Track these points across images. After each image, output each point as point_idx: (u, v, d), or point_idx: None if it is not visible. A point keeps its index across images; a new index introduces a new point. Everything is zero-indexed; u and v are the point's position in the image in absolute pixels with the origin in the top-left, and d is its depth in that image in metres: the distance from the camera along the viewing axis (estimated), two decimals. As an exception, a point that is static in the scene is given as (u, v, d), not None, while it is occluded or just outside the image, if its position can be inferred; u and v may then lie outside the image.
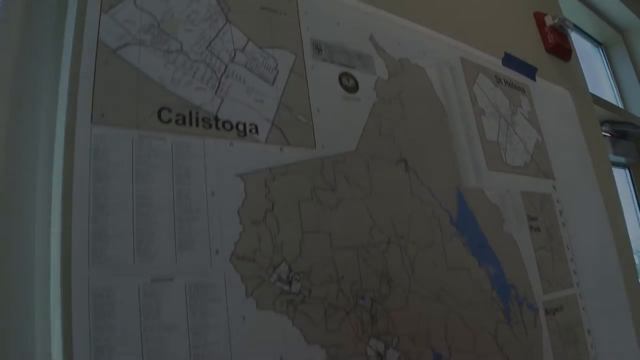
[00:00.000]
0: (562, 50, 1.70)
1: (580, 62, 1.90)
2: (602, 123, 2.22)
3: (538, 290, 1.06)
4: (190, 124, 0.64)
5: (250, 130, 0.69)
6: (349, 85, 0.85)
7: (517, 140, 1.19)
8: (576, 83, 1.75)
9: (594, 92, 2.00)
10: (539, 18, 1.69)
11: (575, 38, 2.08)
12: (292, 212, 0.69)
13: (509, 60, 1.31)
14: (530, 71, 1.38)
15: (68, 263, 0.51)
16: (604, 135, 2.17)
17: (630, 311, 1.40)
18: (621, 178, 2.57)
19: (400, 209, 0.83)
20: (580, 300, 1.19)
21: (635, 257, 1.90)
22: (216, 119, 0.66)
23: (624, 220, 1.73)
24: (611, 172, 1.79)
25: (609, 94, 2.72)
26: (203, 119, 0.65)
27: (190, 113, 0.64)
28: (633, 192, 2.61)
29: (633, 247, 1.73)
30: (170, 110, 0.63)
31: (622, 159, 2.49)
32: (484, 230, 0.97)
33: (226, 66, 0.70)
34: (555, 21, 1.67)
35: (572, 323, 1.14)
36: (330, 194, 0.74)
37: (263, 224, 0.66)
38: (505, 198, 1.06)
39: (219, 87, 0.68)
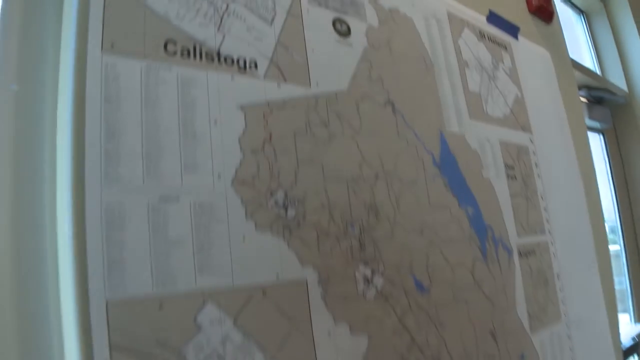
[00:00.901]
0: (544, 12, 1.75)
1: (562, 27, 1.95)
2: (580, 88, 2.28)
3: (513, 233, 1.13)
4: (195, 57, 0.68)
5: (250, 66, 0.73)
6: (342, 30, 0.89)
7: (498, 94, 1.24)
8: (557, 45, 1.81)
9: (573, 58, 2.07)
10: (524, -21, 1.73)
11: (558, 4, 2.13)
12: (288, 143, 0.74)
13: (493, 18, 1.35)
14: (512, 30, 1.43)
15: (81, 180, 0.55)
16: (581, 100, 2.23)
17: (597, 262, 1.49)
18: (596, 143, 2.65)
19: (387, 148, 0.88)
20: (551, 247, 1.27)
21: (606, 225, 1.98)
22: (218, 54, 0.70)
23: (596, 179, 1.81)
24: (586, 133, 1.87)
25: (588, 61, 2.78)
26: (206, 53, 0.69)
27: (195, 47, 0.68)
28: (606, 157, 2.70)
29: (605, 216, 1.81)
30: (175, 44, 0.66)
31: (597, 124, 2.56)
32: (465, 174, 1.03)
33: (227, 5, 0.74)
34: (539, -17, 1.71)
35: (543, 267, 1.21)
36: (323, 129, 0.79)
37: (261, 152, 0.70)
38: (484, 146, 1.12)
39: (220, 24, 0.72)
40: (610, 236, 2.56)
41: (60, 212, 0.56)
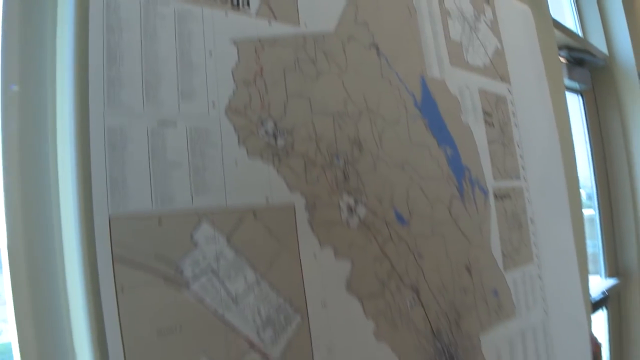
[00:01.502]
0: (527, -31, 1.78)
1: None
2: (560, 48, 2.32)
3: (489, 176, 1.19)
4: (190, -8, 0.72)
5: (242, 4, 0.77)
6: (330, -26, 0.92)
7: (479, 44, 1.29)
8: (538, 2, 1.84)
9: (556, 18, 2.11)
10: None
11: (541, -37, 2.15)
12: (278, 77, 0.78)
13: (476, -29, 1.39)
14: (495, -16, 1.46)
15: (85, 103, 0.59)
16: (561, 60, 2.28)
17: (569, 211, 1.56)
18: (574, 103, 2.71)
19: (371, 87, 0.93)
20: (525, 193, 1.34)
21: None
22: (212, -10, 0.74)
23: (572, 136, 1.88)
24: (564, 92, 1.92)
25: (571, 22, 2.82)
26: (201, -10, 0.73)
27: (190, -17, 0.72)
28: (584, 119, 2.76)
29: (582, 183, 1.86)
30: (172, -21, 0.70)
31: (576, 85, 2.61)
32: (444, 117, 1.08)
33: (220, -56, 0.77)
34: (523, -60, 1.74)
35: (518, 210, 1.29)
36: (311, 66, 0.84)
37: (253, 84, 0.75)
38: (464, 92, 1.17)
39: (214, -38, 0.75)
40: (586, 202, 2.64)
41: (64, 133, 0.60)
